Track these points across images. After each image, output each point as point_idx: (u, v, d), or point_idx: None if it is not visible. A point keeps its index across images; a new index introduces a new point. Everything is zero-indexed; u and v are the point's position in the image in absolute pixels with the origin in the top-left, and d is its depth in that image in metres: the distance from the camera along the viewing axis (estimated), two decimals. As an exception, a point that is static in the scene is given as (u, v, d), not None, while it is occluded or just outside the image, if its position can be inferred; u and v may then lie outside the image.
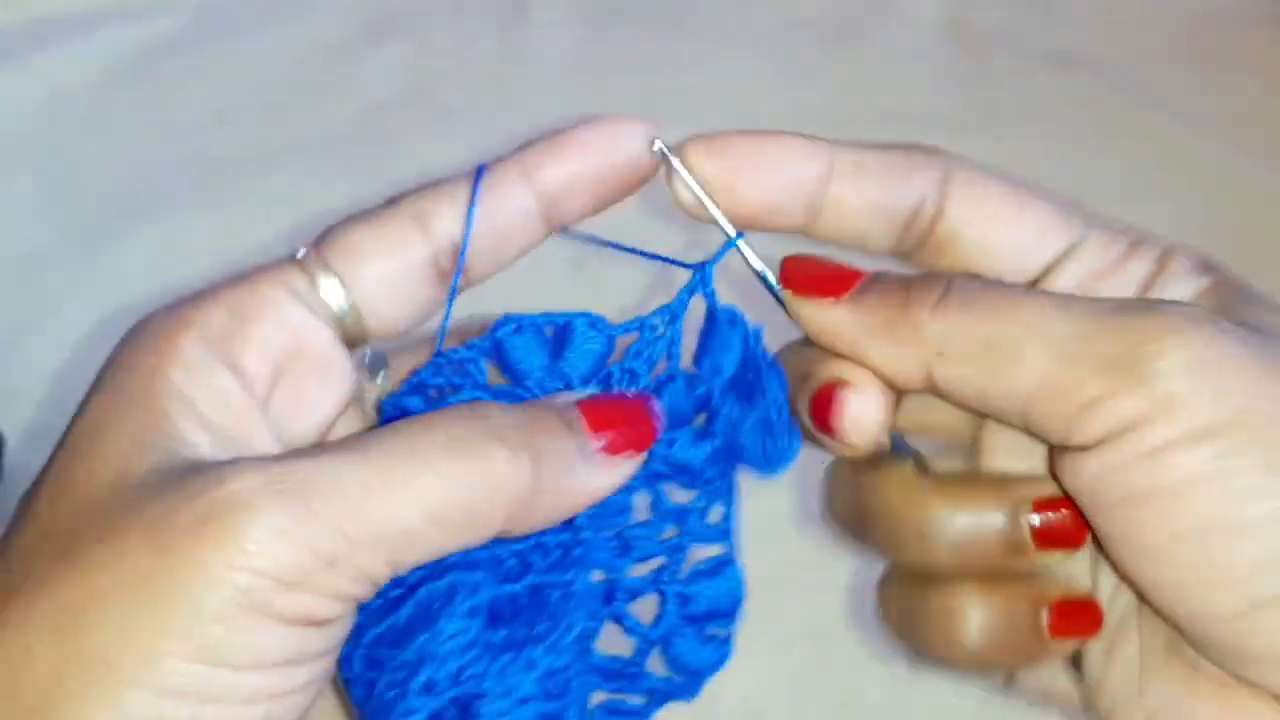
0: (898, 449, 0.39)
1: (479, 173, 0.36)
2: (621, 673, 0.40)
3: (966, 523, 0.36)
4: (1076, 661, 0.40)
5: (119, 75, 0.92)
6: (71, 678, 0.28)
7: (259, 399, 0.34)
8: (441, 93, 0.94)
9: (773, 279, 0.38)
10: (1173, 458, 0.31)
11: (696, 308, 0.39)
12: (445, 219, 0.36)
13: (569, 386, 0.37)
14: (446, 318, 0.37)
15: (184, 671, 0.29)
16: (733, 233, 0.37)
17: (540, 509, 0.33)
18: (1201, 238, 0.97)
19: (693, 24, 1.01)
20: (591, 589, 0.37)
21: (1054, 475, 0.36)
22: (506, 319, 0.37)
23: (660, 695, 0.40)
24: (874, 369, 0.36)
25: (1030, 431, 0.34)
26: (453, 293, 0.36)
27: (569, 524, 0.37)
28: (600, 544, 0.39)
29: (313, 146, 0.90)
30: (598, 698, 0.40)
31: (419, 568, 0.33)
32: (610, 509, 0.38)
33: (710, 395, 0.38)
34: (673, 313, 0.38)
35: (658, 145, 0.37)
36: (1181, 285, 0.36)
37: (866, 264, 0.39)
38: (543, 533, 0.36)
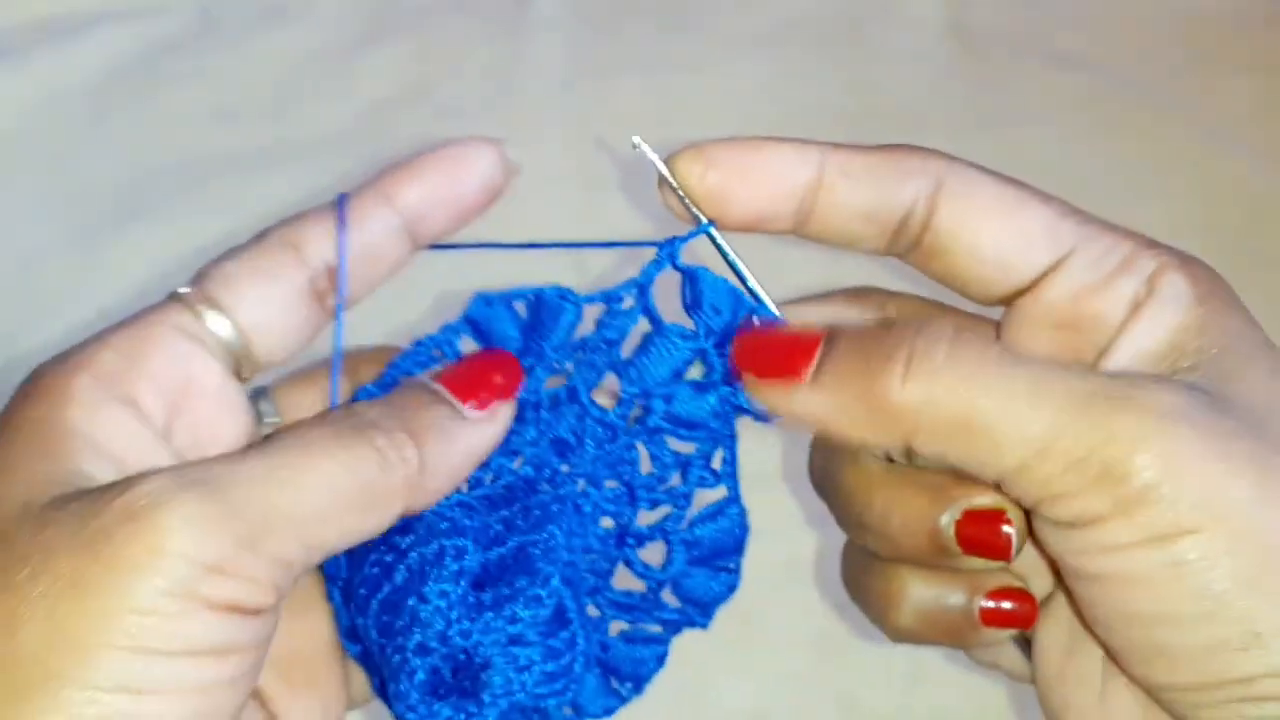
0: None
1: (341, 200, 0.39)
2: (638, 605, 0.42)
3: (901, 522, 0.38)
4: (1027, 640, 0.41)
5: (119, 75, 0.92)
6: (6, 683, 0.29)
7: (158, 433, 0.35)
8: (442, 93, 0.94)
9: (745, 271, 0.39)
10: (1131, 555, 0.33)
11: (671, 289, 0.39)
12: (316, 244, 0.38)
13: (542, 356, 0.39)
14: (339, 339, 0.39)
15: (119, 665, 0.29)
16: (705, 221, 0.38)
17: (437, 477, 0.35)
18: (1201, 238, 0.97)
19: (693, 24, 1.01)
20: (573, 541, 0.39)
21: (1030, 528, 0.37)
22: (479, 296, 0.40)
23: (674, 625, 0.43)
24: (854, 442, 0.36)
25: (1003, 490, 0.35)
26: (339, 313, 0.38)
27: (550, 481, 0.40)
28: (609, 493, 0.41)
29: (313, 146, 0.90)
30: (616, 628, 0.43)
31: (409, 533, 0.36)
32: (615, 462, 0.41)
33: (705, 347, 0.39)
34: (640, 284, 0.39)
35: (642, 148, 0.38)
36: (1168, 312, 0.36)
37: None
38: (524, 495, 0.39)
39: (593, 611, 0.42)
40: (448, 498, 0.37)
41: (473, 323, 0.40)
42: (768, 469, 0.68)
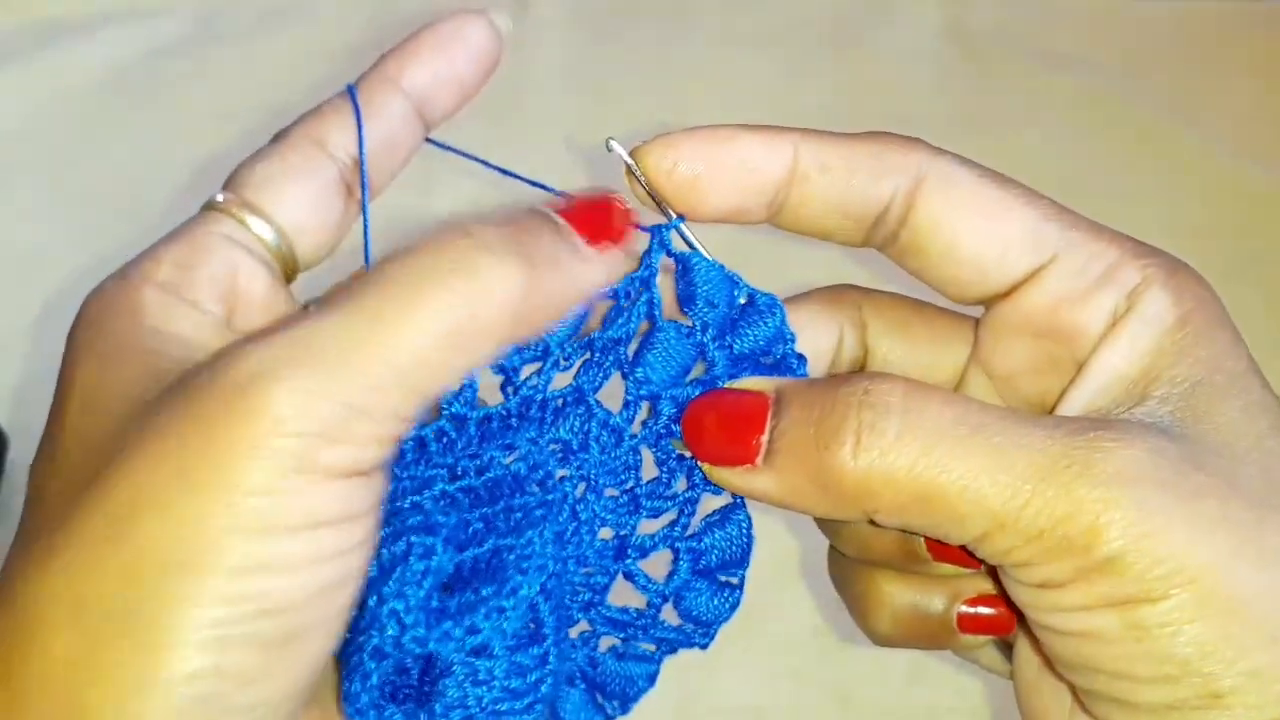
0: None
1: (352, 91, 0.39)
2: (634, 623, 0.40)
3: (874, 531, 0.38)
4: (1008, 641, 0.41)
5: (122, 77, 0.93)
6: (141, 581, 0.28)
7: (230, 332, 0.35)
8: (443, 94, 0.94)
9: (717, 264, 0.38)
10: (1093, 616, 0.32)
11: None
12: (338, 137, 0.38)
13: (548, 354, 0.38)
14: (366, 234, 0.38)
15: (245, 548, 0.29)
16: (674, 218, 0.37)
17: (540, 308, 0.33)
18: (1201, 238, 0.98)
19: (693, 24, 1.01)
20: (549, 550, 0.37)
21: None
22: None
23: (671, 645, 0.41)
24: (814, 515, 0.36)
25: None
26: (365, 208, 0.38)
27: (541, 484, 0.38)
28: (610, 503, 0.39)
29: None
30: (607, 643, 0.40)
31: (386, 524, 0.34)
32: (618, 468, 0.39)
33: (705, 343, 0.38)
34: (643, 279, 0.38)
35: (614, 148, 0.38)
36: (1146, 334, 0.35)
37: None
38: (509, 494, 0.37)
39: (584, 627, 0.41)
40: (428, 487, 0.36)
41: None
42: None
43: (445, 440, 0.36)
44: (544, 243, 0.33)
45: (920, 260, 0.37)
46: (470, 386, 0.36)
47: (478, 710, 0.35)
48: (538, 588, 0.36)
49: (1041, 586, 0.33)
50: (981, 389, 0.40)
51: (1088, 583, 0.32)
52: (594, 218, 0.35)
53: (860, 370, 0.41)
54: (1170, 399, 0.34)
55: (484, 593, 0.35)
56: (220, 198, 0.36)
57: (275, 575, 0.29)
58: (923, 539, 0.37)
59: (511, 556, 0.36)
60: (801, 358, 0.39)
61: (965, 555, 0.36)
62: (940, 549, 0.37)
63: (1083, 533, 0.31)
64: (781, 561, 0.70)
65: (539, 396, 0.38)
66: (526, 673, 0.35)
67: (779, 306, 0.38)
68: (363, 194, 0.38)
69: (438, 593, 0.35)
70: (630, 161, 0.37)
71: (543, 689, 0.36)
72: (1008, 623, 0.39)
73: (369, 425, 0.30)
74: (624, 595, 0.40)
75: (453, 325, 0.31)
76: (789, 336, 0.39)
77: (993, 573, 0.37)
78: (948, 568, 0.38)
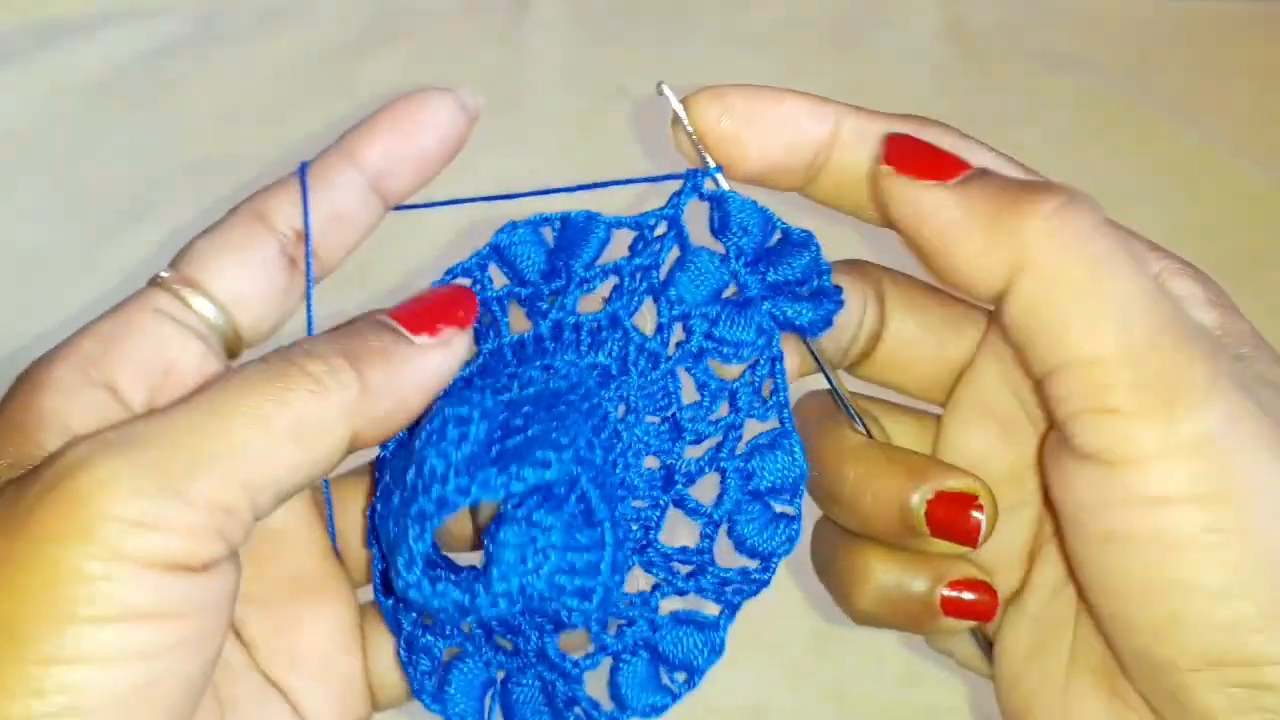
0: (848, 411, 0.40)
1: (303, 167, 0.38)
2: (691, 559, 0.39)
3: (872, 497, 0.38)
4: (985, 638, 0.41)
5: (122, 77, 0.93)
6: None
7: (135, 414, 0.34)
8: (443, 94, 0.94)
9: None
10: (1167, 513, 0.31)
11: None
12: (283, 211, 0.37)
13: (570, 278, 0.38)
14: (310, 305, 0.38)
15: (54, 639, 0.28)
16: (713, 166, 0.38)
17: (381, 401, 0.33)
18: (1201, 238, 0.98)
19: (693, 24, 1.01)
20: (595, 441, 0.36)
21: (1040, 464, 0.36)
22: (507, 225, 0.39)
23: (732, 592, 0.39)
24: (953, 264, 0.35)
25: (1042, 392, 0.34)
26: (309, 281, 0.37)
27: (584, 397, 0.37)
28: (652, 429, 0.38)
29: (315, 148, 0.90)
30: (667, 608, 0.39)
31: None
32: (657, 392, 0.38)
33: (738, 269, 0.38)
34: (670, 215, 0.38)
35: (665, 91, 0.38)
36: (1191, 310, 0.35)
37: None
38: (550, 403, 0.36)
39: (642, 586, 0.39)
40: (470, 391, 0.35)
41: (498, 250, 0.39)
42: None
43: (484, 370, 0.37)
44: (376, 343, 0.34)
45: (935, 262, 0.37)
46: (497, 320, 0.38)
47: (534, 578, 0.34)
48: (579, 463, 0.35)
49: (1116, 462, 0.32)
50: (992, 375, 0.39)
51: (1176, 460, 0.31)
52: (424, 309, 0.35)
53: (875, 343, 0.41)
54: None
55: (529, 451, 0.34)
56: (163, 274, 0.37)
57: (85, 669, 0.28)
58: (923, 511, 0.37)
59: (554, 435, 0.35)
60: (838, 289, 0.38)
61: (964, 528, 0.36)
62: (940, 520, 0.37)
63: (1196, 396, 0.31)
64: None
65: (571, 320, 0.38)
66: (583, 550, 0.34)
67: (814, 240, 0.38)
68: (307, 269, 0.37)
69: (480, 450, 0.34)
70: (679, 108, 0.37)
71: (604, 568, 0.35)
72: (990, 608, 0.38)
73: (187, 514, 0.29)
74: (678, 536, 0.39)
75: (281, 424, 0.31)
76: (825, 268, 0.39)
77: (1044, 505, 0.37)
78: (941, 545, 0.37)
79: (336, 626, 0.38)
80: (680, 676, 0.39)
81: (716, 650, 0.38)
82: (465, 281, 0.39)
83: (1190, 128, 0.94)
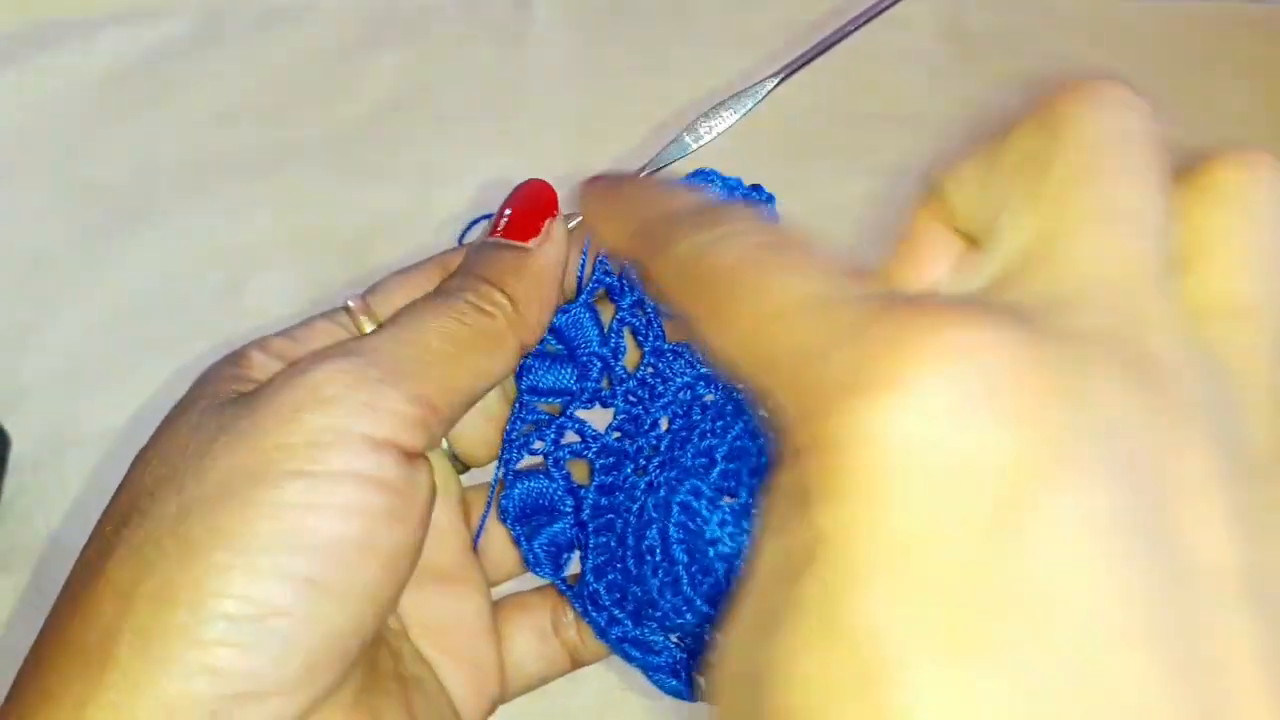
0: None
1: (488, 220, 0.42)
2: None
3: None
4: None
5: (122, 78, 0.93)
6: (196, 512, 0.32)
7: None
8: (443, 93, 0.94)
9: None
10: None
11: None
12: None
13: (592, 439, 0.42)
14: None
15: (289, 486, 0.33)
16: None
17: (530, 306, 0.39)
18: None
19: (693, 25, 1.01)
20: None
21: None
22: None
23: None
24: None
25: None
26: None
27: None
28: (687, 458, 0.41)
29: (315, 148, 0.90)
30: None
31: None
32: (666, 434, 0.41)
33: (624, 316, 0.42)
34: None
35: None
36: None
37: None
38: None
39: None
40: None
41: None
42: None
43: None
44: (499, 262, 0.39)
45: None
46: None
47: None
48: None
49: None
50: None
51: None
52: (522, 217, 0.40)
53: None
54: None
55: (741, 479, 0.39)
56: (350, 302, 0.40)
57: (311, 513, 0.32)
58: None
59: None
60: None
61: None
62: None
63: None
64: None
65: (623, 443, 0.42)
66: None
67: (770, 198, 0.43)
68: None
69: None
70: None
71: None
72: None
73: (402, 403, 0.34)
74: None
75: (465, 335, 0.37)
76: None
77: None
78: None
79: (474, 613, 0.42)
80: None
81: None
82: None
83: (1189, 128, 0.93)
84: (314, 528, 0.32)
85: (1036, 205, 0.25)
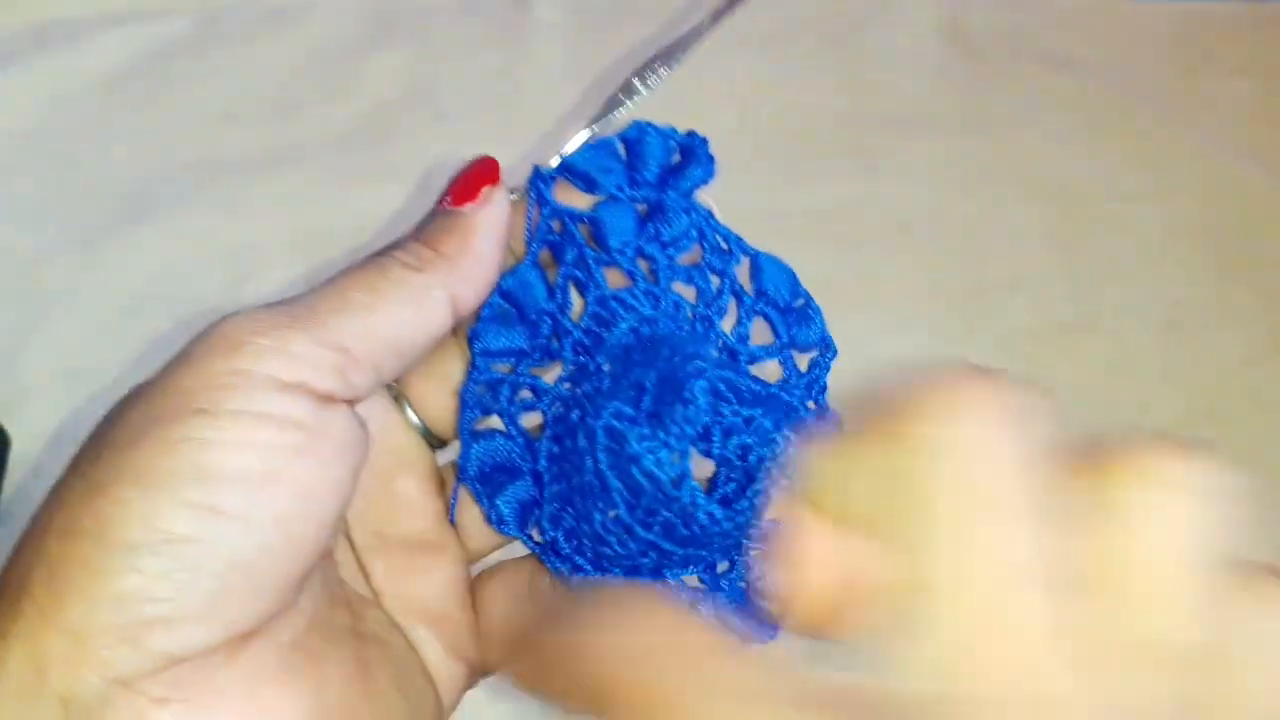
0: None
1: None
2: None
3: None
4: None
5: (123, 78, 0.93)
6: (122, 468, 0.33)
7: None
8: (443, 94, 0.94)
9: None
10: None
11: None
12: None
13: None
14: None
15: (198, 422, 0.33)
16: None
17: (464, 265, 0.39)
18: (1199, 239, 0.97)
19: (693, 24, 1.01)
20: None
21: None
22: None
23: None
24: None
25: None
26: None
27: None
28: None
29: (316, 148, 0.90)
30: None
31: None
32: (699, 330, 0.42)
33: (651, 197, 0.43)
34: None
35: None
36: None
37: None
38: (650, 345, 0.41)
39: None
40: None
41: (572, 169, 0.44)
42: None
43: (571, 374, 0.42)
44: (435, 224, 0.40)
45: None
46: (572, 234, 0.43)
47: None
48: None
49: None
50: None
51: None
52: (460, 185, 0.41)
53: None
54: None
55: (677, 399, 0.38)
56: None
57: (217, 450, 0.33)
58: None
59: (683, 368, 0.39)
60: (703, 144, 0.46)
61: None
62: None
63: None
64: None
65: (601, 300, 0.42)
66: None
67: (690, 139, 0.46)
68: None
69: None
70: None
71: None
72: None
73: (314, 350, 0.35)
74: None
75: (389, 286, 0.38)
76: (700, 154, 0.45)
77: None
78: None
79: (449, 582, 0.42)
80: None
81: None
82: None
83: (1190, 128, 0.94)
84: (214, 460, 0.33)
85: (914, 561, 0.23)
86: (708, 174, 0.44)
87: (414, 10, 1.00)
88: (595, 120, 0.43)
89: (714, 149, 0.44)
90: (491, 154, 0.42)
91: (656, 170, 0.44)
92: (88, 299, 0.81)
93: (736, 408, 0.38)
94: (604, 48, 0.99)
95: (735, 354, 0.43)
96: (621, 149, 0.44)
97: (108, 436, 0.34)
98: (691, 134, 0.45)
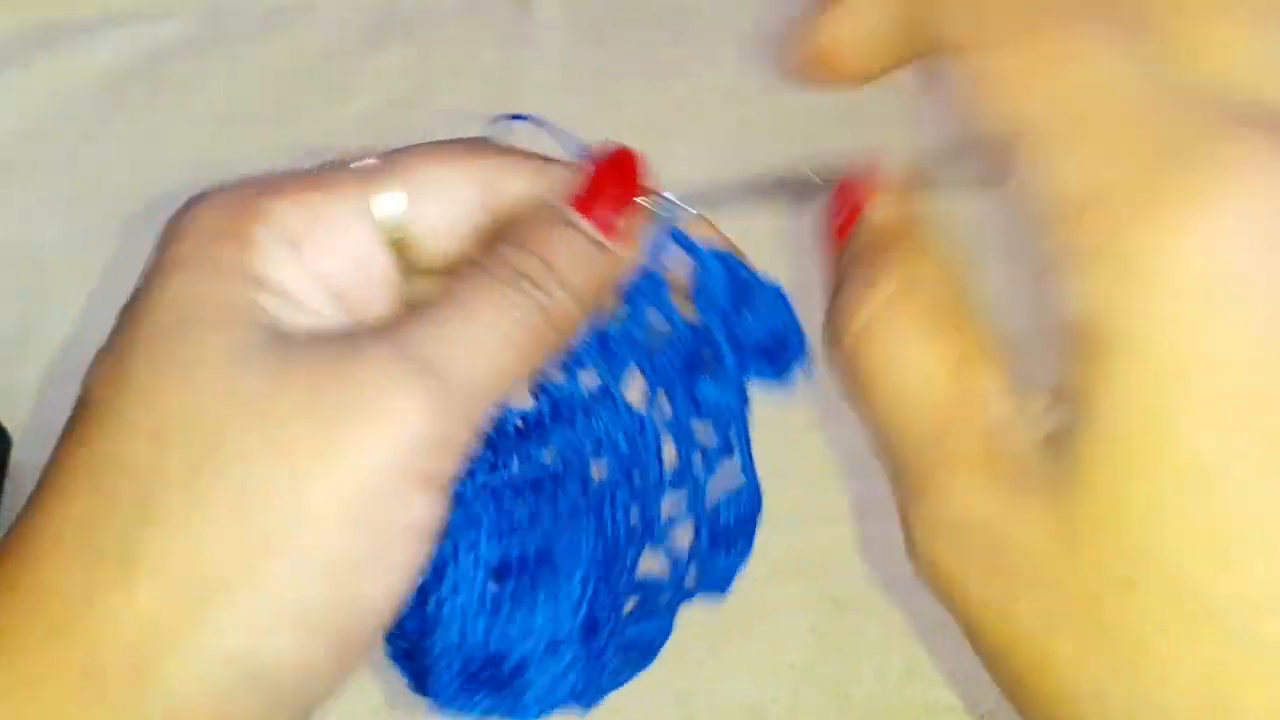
0: None
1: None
2: (664, 588, 0.41)
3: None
4: None
5: (124, 79, 0.93)
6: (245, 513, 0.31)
7: (332, 294, 0.36)
8: (444, 94, 0.94)
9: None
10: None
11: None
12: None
13: (572, 356, 0.40)
14: None
15: (344, 535, 0.31)
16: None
17: (585, 307, 0.36)
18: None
19: (694, 25, 1.01)
20: (596, 542, 0.38)
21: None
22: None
23: (689, 595, 0.42)
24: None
25: None
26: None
27: (582, 482, 0.39)
28: (638, 485, 0.41)
29: (315, 148, 0.90)
30: (629, 606, 0.41)
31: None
32: (647, 455, 0.40)
33: (713, 336, 0.40)
34: (654, 276, 0.39)
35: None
36: None
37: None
38: (550, 492, 0.38)
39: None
40: (469, 477, 0.37)
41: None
42: (764, 468, 0.69)
43: (486, 440, 0.38)
44: (570, 252, 0.35)
45: None
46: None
47: (565, 694, 0.37)
48: (590, 583, 0.37)
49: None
50: None
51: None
52: (611, 210, 0.36)
53: None
54: None
55: (538, 591, 0.36)
56: (366, 162, 0.40)
57: (357, 574, 0.31)
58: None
59: (563, 545, 0.37)
60: (804, 340, 0.40)
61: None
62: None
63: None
64: (781, 560, 0.70)
65: (571, 396, 0.40)
66: (598, 655, 0.37)
67: (783, 296, 0.40)
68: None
69: (491, 583, 0.36)
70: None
71: (608, 669, 0.38)
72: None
73: (467, 434, 0.33)
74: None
75: (523, 337, 0.34)
76: (796, 326, 0.40)
77: None
78: None
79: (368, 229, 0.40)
80: (641, 657, 0.42)
81: (668, 633, 0.42)
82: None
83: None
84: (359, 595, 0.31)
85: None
86: (782, 370, 0.41)
87: (414, 10, 1.00)
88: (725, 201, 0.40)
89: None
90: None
91: (719, 322, 0.40)
92: (89, 300, 0.81)
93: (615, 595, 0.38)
94: (604, 48, 0.99)
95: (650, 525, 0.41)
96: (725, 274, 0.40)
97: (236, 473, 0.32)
98: (796, 326, 0.41)
